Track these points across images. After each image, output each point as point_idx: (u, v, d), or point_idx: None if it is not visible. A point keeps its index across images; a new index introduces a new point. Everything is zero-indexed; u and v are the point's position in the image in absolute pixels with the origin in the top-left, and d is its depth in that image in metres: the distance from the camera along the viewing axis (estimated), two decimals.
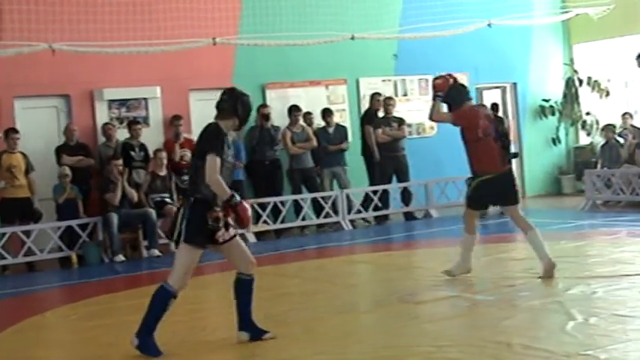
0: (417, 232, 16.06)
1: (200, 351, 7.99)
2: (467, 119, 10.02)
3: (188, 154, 15.88)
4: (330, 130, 17.26)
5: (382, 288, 10.46)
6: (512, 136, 20.16)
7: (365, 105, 18.33)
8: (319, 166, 17.11)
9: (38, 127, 15.60)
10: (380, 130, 17.27)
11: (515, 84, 20.45)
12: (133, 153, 15.61)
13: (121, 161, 14.96)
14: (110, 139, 15.66)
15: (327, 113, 17.29)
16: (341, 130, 17.37)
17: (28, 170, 14.59)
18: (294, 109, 17.02)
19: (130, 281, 12.67)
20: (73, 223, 14.67)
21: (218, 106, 8.19)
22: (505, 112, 20.65)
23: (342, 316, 8.83)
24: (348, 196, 17.00)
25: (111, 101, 16.19)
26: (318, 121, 17.48)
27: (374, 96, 17.76)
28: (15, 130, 14.67)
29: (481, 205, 10.52)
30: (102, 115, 16.12)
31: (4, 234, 14.24)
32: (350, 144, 17.53)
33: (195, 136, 16.26)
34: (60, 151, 15.13)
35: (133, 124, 15.86)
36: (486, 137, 9.89)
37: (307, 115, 17.28)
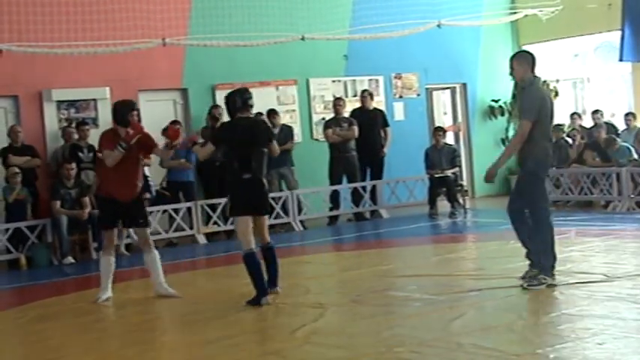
0: (368, 233, 16.10)
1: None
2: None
3: None
4: (275, 130, 17.24)
5: (333, 288, 10.49)
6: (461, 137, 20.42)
7: (315, 106, 18.39)
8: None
9: None
10: (330, 131, 17.32)
11: (464, 84, 20.60)
12: (81, 154, 15.49)
13: (73, 164, 14.86)
14: (68, 142, 15.54)
15: (272, 113, 17.25)
16: (286, 130, 17.34)
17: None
18: None
19: (80, 283, 12.57)
20: (22, 224, 14.53)
21: None
22: (455, 112, 20.84)
23: (293, 317, 8.84)
24: (298, 197, 17.02)
25: (60, 102, 16.06)
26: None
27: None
28: None
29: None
30: (51, 117, 15.98)
31: None
32: (299, 144, 17.52)
33: None
34: (6, 152, 14.98)
35: (81, 125, 15.74)
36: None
37: (257, 116, 17.25)
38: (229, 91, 10.09)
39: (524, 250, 9.38)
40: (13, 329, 9.73)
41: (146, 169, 15.87)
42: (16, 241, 14.49)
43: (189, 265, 13.93)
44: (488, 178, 9.44)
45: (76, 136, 15.67)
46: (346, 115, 17.61)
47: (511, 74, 9.71)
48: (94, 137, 15.70)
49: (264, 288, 9.52)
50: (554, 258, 9.32)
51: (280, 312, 9.11)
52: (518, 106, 9.58)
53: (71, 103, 16.19)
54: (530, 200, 9.31)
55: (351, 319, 8.71)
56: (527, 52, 9.65)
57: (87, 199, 14.76)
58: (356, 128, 17.33)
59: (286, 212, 16.89)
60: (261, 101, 17.70)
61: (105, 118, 16.33)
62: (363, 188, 17.59)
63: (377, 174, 17.96)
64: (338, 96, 18.17)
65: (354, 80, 19.06)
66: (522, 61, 9.44)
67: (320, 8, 17.60)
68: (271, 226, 16.73)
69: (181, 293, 10.57)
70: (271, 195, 16.64)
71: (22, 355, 8.53)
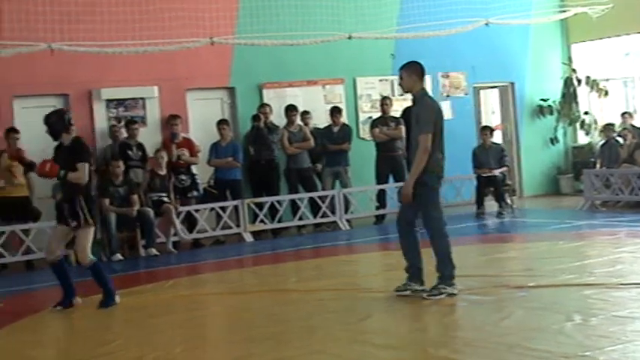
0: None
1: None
2: None
3: (186, 153, 15.93)
4: (335, 129, 17.25)
5: (379, 287, 10.46)
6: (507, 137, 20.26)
7: (362, 105, 18.38)
8: (320, 165, 17.14)
9: (38, 126, 15.55)
10: (377, 130, 17.30)
11: (513, 83, 20.45)
12: (130, 152, 15.62)
13: (121, 162, 14.98)
14: (116, 140, 15.69)
15: (334, 112, 17.28)
16: (346, 129, 17.34)
17: (27, 170, 14.57)
18: (290, 109, 17.02)
19: (128, 280, 12.65)
20: None
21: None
22: (503, 111, 20.71)
23: (341, 315, 8.84)
24: (345, 196, 17.01)
25: (109, 101, 16.20)
26: (315, 121, 17.49)
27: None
28: (15, 130, 14.66)
29: None
30: (100, 115, 16.13)
31: (2, 232, 14.25)
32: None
33: (193, 136, 16.42)
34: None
35: (130, 123, 15.88)
36: None
37: (305, 115, 17.29)
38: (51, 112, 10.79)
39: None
40: (62, 325, 9.83)
41: (193, 167, 16.01)
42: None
43: (236, 264, 13.98)
44: (405, 199, 9.26)
45: (124, 135, 15.81)
46: (395, 114, 17.55)
47: (400, 85, 9.63)
48: (142, 135, 15.90)
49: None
50: (454, 267, 9.27)
51: (327, 310, 9.11)
52: (414, 119, 9.42)
53: (120, 102, 16.33)
54: (424, 211, 9.29)
55: (398, 319, 8.69)
56: (417, 63, 9.49)
57: (135, 197, 14.87)
58: (402, 127, 17.25)
59: (333, 211, 16.89)
60: (308, 100, 17.80)
61: (153, 116, 16.52)
62: None
63: None
64: (385, 95, 18.14)
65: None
66: (411, 72, 9.39)
67: (367, 7, 17.55)
68: (317, 225, 16.87)
69: (228, 290, 10.62)
70: (318, 194, 16.77)
71: (71, 349, 8.61)
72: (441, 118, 9.31)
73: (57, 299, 10.33)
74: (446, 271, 9.23)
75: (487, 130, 17.85)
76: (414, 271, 9.40)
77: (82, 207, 10.00)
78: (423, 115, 9.20)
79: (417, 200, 9.21)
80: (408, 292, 9.31)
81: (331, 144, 17.07)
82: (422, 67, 9.41)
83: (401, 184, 17.32)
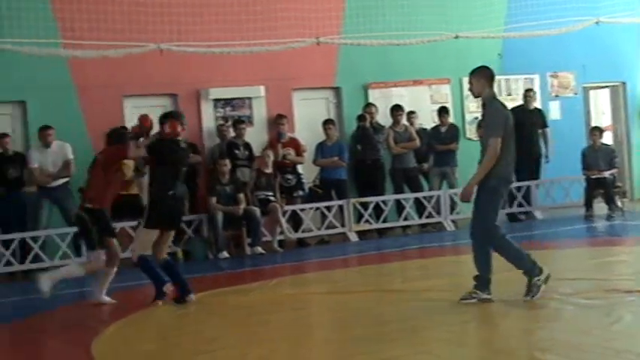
0: (521, 234, 15.80)
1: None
2: None
3: (292, 153, 16.03)
4: (443, 129, 17.16)
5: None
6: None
7: (468, 105, 18.22)
8: (426, 164, 17.07)
9: None
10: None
11: (624, 83, 20.02)
12: (237, 152, 15.79)
13: (227, 161, 15.16)
14: (224, 140, 15.90)
15: (442, 112, 17.20)
16: (454, 129, 17.24)
17: (137, 168, 14.83)
18: (396, 109, 16.99)
19: (233, 278, 12.80)
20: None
21: None
22: (614, 112, 20.30)
23: (446, 316, 8.78)
24: (451, 197, 16.90)
25: (216, 100, 16.42)
26: (421, 121, 17.42)
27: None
28: (125, 129, 14.90)
29: None
30: (208, 115, 16.36)
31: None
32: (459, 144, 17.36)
33: (299, 136, 16.52)
34: None
35: (237, 123, 16.06)
36: None
37: (410, 115, 17.23)
38: None
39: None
40: (170, 320, 9.98)
41: (299, 167, 16.10)
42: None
43: (341, 263, 14.00)
44: (465, 199, 9.17)
45: (232, 134, 15.99)
46: None
47: (470, 90, 9.53)
48: (249, 135, 16.07)
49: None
50: (491, 272, 9.16)
51: (434, 311, 9.05)
52: (484, 124, 9.33)
53: (227, 102, 16.53)
54: (481, 213, 9.14)
55: (503, 321, 8.59)
56: (486, 67, 9.39)
57: (242, 196, 15.03)
58: None
59: (439, 211, 16.80)
60: (414, 100, 17.73)
61: (260, 116, 16.67)
62: (517, 189, 17.32)
63: (533, 174, 17.62)
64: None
65: (508, 79, 18.77)
66: (480, 76, 9.28)
67: (475, 6, 17.38)
68: (422, 225, 16.80)
69: (332, 290, 10.66)
70: (423, 194, 16.70)
71: (179, 344, 8.75)
72: (509, 123, 9.20)
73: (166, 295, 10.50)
74: (486, 274, 9.16)
75: (597, 131, 17.51)
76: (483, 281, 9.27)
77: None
78: (492, 119, 9.15)
79: (477, 202, 9.16)
80: (474, 300, 9.18)
81: (439, 144, 16.97)
82: (491, 72, 9.37)
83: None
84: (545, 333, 7.95)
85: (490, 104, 9.27)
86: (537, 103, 18.48)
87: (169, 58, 15.15)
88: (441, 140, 17.03)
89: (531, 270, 9.12)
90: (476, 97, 9.60)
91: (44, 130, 14.49)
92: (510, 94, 18.56)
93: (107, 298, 10.94)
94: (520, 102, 17.78)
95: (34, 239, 14.13)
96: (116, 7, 14.88)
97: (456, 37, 16.80)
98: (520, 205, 17.44)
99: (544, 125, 17.59)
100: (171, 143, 10.63)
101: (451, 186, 17.08)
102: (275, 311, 9.81)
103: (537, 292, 9.04)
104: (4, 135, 14.53)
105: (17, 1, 14.49)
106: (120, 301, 10.95)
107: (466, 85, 17.99)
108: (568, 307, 8.84)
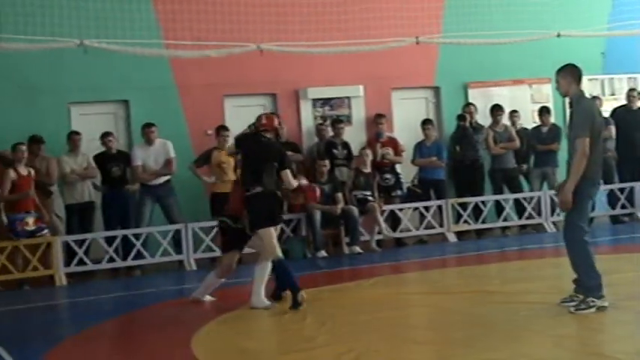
0: (624, 236, 15.53)
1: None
2: None
3: (390, 152, 16.00)
4: (544, 129, 16.93)
5: None
6: None
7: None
8: (526, 165, 16.87)
9: (247, 124, 16.01)
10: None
11: None
12: (335, 151, 15.84)
13: (326, 161, 15.22)
14: (322, 139, 15.97)
15: (543, 112, 16.98)
16: (555, 130, 16.98)
17: (236, 167, 14.99)
18: (496, 109, 16.83)
19: (331, 277, 12.83)
20: None
21: None
22: None
23: (545, 319, 8.67)
24: (552, 198, 16.66)
25: (315, 100, 16.50)
26: (521, 121, 17.21)
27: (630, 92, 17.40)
28: (225, 128, 15.11)
29: None
30: (306, 114, 16.45)
31: (213, 227, 14.74)
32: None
33: (398, 135, 16.49)
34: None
35: (336, 122, 16.10)
36: None
37: (513, 114, 17.05)
38: None
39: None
40: (269, 319, 10.05)
41: (398, 166, 16.08)
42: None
43: (439, 263, 13.94)
44: (564, 206, 8.90)
45: (330, 133, 16.04)
46: (605, 114, 17.04)
47: (557, 89, 9.33)
48: (347, 134, 16.10)
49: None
50: (599, 276, 8.83)
51: (533, 314, 8.94)
52: (571, 123, 9.10)
53: (326, 101, 16.59)
54: (569, 217, 8.94)
55: (605, 325, 8.44)
56: (573, 66, 9.15)
57: (340, 195, 15.05)
58: (612, 128, 16.75)
59: (539, 212, 16.58)
60: (514, 99, 17.55)
61: (358, 115, 16.69)
62: (621, 190, 16.98)
63: (636, 175, 17.24)
64: (594, 95, 17.61)
65: (612, 78, 18.42)
66: (566, 74, 9.08)
67: (577, 4, 17.12)
68: (522, 226, 16.60)
69: (430, 290, 10.62)
70: (523, 195, 16.51)
71: (276, 342, 8.82)
72: (597, 122, 9.01)
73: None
74: (590, 282, 8.88)
75: None
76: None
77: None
78: (579, 118, 8.97)
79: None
80: (573, 304, 8.98)
81: (540, 144, 16.75)
82: (578, 70, 9.18)
83: (611, 186, 16.96)
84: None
85: (577, 103, 9.11)
86: None
87: (269, 58, 15.26)
88: (542, 140, 16.80)
89: (593, 289, 8.85)
90: (563, 96, 9.47)
91: (147, 127, 14.73)
92: (614, 93, 18.22)
93: (208, 297, 11.04)
94: (623, 102, 17.45)
95: (136, 236, 14.39)
96: (217, 8, 15.04)
97: (558, 35, 16.56)
98: (623, 206, 17.09)
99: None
100: (254, 136, 10.58)
101: (551, 187, 16.83)
102: (372, 311, 9.81)
103: (584, 310, 8.77)
104: (108, 134, 14.82)
105: (121, 2, 14.79)
106: (219, 299, 11.07)
107: None
108: None
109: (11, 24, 13.68)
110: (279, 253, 10.35)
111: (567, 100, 9.46)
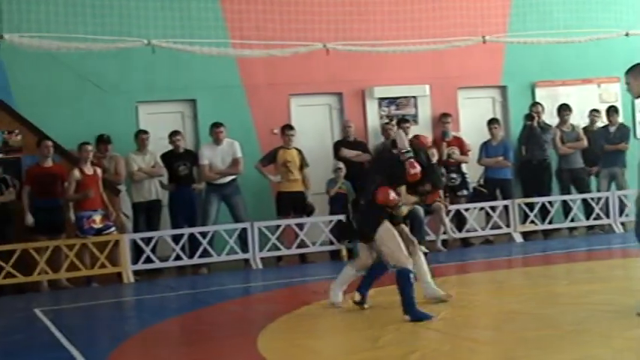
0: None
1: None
2: None
3: (456, 152, 15.94)
4: (612, 129, 16.73)
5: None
6: None
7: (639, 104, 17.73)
8: (594, 165, 16.68)
9: (313, 124, 16.11)
10: None
11: None
12: None
13: None
14: (388, 138, 15.95)
15: (611, 111, 16.79)
16: (623, 129, 16.78)
17: (302, 166, 15.06)
18: (563, 108, 16.68)
19: (393, 277, 12.76)
20: (344, 217, 14.99)
21: None
22: None
23: (613, 321, 8.56)
24: (620, 198, 16.45)
25: (381, 99, 16.49)
26: (588, 120, 17.05)
27: None
28: (290, 127, 15.18)
29: None
30: (372, 113, 16.46)
31: (279, 226, 14.83)
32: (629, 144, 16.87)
33: (464, 135, 16.41)
34: (338, 145, 15.56)
35: (402, 122, 16.08)
36: None
37: (594, 113, 16.90)
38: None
39: None
40: (334, 317, 10.06)
41: (464, 166, 16.01)
42: (337, 233, 14.96)
43: (506, 264, 13.85)
44: None
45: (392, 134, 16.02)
46: None
47: (628, 91, 8.99)
48: (413, 133, 16.02)
49: None
50: None
51: (599, 315, 8.83)
52: None
53: (392, 101, 16.58)
54: None
55: None
56: None
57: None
58: None
59: (607, 213, 16.38)
60: (582, 99, 17.37)
61: (424, 114, 16.66)
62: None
63: None
64: None
65: None
66: (638, 75, 8.72)
67: None
68: (589, 227, 16.42)
69: (497, 290, 10.54)
70: (591, 195, 16.33)
71: (341, 341, 8.82)
72: None
73: (324, 292, 10.52)
74: None
75: None
76: None
77: None
78: None
79: None
80: None
81: (608, 144, 16.55)
82: None
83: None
84: None
85: None
86: None
87: (335, 57, 15.30)
88: (610, 140, 16.60)
89: None
90: (635, 97, 9.21)
91: (216, 127, 14.84)
92: None
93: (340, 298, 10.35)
94: None
95: (203, 234, 14.51)
96: (283, 7, 15.14)
97: (627, 34, 16.37)
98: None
99: None
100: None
101: (620, 187, 16.62)
102: (437, 311, 9.77)
103: None
104: (176, 132, 14.97)
105: (188, 1, 14.93)
106: (283, 297, 11.11)
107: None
108: None
109: (81, 24, 13.89)
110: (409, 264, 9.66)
111: (638, 101, 9.29)
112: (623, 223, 16.45)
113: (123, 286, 13.73)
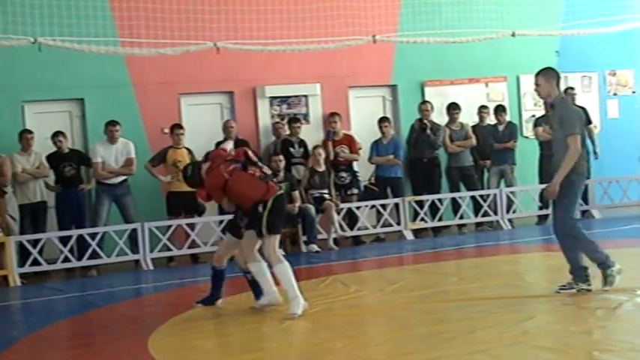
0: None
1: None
2: None
3: (345, 150, 16.01)
4: (500, 127, 17.04)
5: (542, 288, 10.26)
6: None
7: (525, 103, 18.11)
8: (487, 159, 16.94)
9: (202, 123, 15.99)
10: (540, 129, 16.94)
11: None
12: (292, 149, 15.83)
13: (281, 157, 15.18)
14: (279, 137, 15.95)
15: (499, 110, 17.10)
16: (511, 128, 17.11)
17: None
18: (452, 107, 16.91)
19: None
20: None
21: None
22: None
23: (502, 316, 8.72)
24: (508, 195, 16.77)
25: (272, 98, 16.47)
26: (475, 119, 17.30)
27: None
28: (180, 126, 15.06)
29: None
30: (264, 112, 16.41)
31: (170, 226, 14.69)
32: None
33: (355, 133, 16.49)
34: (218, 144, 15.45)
35: (293, 121, 16.08)
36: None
37: (482, 110, 17.15)
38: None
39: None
40: (226, 317, 10.01)
41: (355, 164, 16.10)
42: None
43: (396, 261, 13.97)
44: (550, 196, 9.38)
45: (287, 132, 16.02)
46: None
47: (536, 91, 9.69)
48: (305, 133, 16.11)
49: None
50: (586, 267, 9.47)
51: (489, 311, 8.99)
52: (556, 122, 9.45)
53: (283, 99, 16.57)
54: (562, 209, 9.39)
55: (561, 321, 8.51)
56: (552, 69, 9.64)
57: (297, 193, 15.04)
58: None
59: (495, 210, 16.68)
60: (471, 98, 17.65)
61: (316, 113, 16.69)
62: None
63: None
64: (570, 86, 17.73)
65: (566, 77, 18.50)
66: (549, 77, 9.46)
67: (531, 3, 17.25)
68: (478, 224, 16.71)
69: (388, 288, 10.64)
70: (479, 192, 16.62)
71: (231, 342, 8.78)
72: (582, 120, 9.50)
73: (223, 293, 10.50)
74: (598, 256, 9.40)
75: None
76: (579, 272, 9.34)
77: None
78: (570, 117, 9.37)
79: (558, 197, 9.33)
80: (573, 290, 9.37)
81: (497, 142, 16.87)
82: (558, 73, 9.60)
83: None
84: (604, 333, 7.86)
85: (563, 104, 9.48)
86: (595, 102, 18.31)
87: (226, 56, 15.20)
88: (499, 139, 16.92)
89: (606, 262, 9.32)
90: (543, 97, 9.72)
91: (112, 125, 14.60)
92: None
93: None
94: (577, 99, 17.59)
95: (92, 236, 14.27)
96: (173, 6, 15.00)
97: (513, 34, 16.67)
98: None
99: (588, 122, 17.33)
100: None
101: (509, 184, 16.95)
102: (329, 309, 9.80)
103: (614, 282, 9.28)
104: (57, 134, 14.55)
105: (77, 0, 14.65)
106: (175, 298, 11.01)
107: (525, 83, 18.11)
108: (628, 307, 8.72)
109: None
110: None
111: (544, 101, 9.81)
112: (510, 220, 16.78)
113: (9, 290, 13.40)
